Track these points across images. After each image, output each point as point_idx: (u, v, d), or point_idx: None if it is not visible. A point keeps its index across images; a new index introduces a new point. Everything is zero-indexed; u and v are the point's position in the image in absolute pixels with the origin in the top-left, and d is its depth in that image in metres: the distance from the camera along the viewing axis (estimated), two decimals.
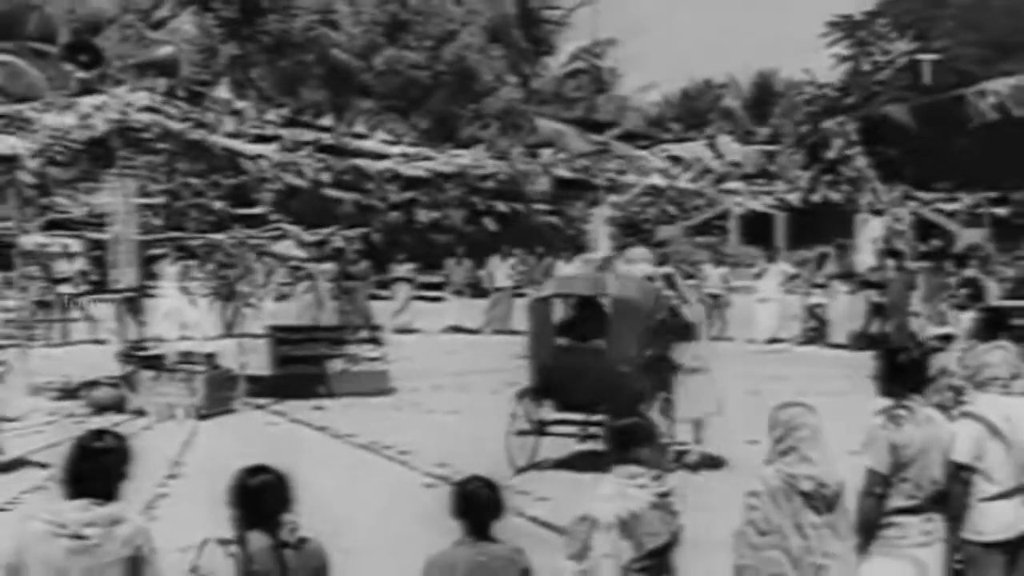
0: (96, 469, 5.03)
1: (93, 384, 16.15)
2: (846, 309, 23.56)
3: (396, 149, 22.60)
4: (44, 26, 40.90)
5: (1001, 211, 34.36)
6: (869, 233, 27.07)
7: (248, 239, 20.34)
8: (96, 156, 18.44)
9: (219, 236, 20.31)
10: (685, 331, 12.50)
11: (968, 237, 30.95)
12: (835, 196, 29.88)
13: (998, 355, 6.59)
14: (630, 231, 33.72)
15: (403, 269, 27.77)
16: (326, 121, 24.45)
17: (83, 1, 42.67)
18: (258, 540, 4.95)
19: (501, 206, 37.54)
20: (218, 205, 25.20)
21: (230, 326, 20.58)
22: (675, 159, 27.73)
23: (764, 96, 58.40)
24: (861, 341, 22.03)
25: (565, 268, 26.93)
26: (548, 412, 12.42)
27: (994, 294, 20.94)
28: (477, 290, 28.16)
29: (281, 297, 25.51)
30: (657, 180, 30.80)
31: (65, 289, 24.17)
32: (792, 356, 22.53)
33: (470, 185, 32.83)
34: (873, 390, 6.51)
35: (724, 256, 31.00)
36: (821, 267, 27.18)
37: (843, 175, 29.91)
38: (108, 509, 4.97)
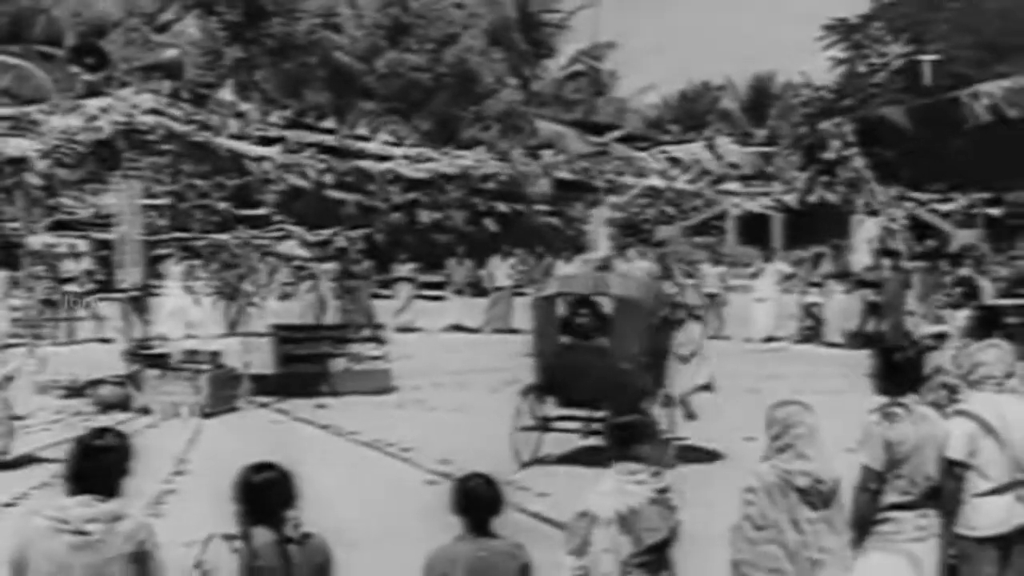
0: (98, 467, 5.05)
1: (99, 383, 16.16)
2: (842, 308, 23.57)
3: (399, 151, 22.77)
4: (50, 30, 41.02)
5: (995, 212, 34.35)
6: (864, 233, 27.05)
7: (252, 239, 20.54)
8: (102, 157, 18.53)
9: (223, 236, 20.50)
10: (683, 313, 12.72)
11: (963, 237, 30.91)
12: (831, 197, 29.93)
13: (992, 353, 6.59)
14: (629, 231, 33.85)
15: (405, 269, 27.81)
16: (329, 123, 24.59)
17: (89, 5, 42.71)
18: (262, 536, 4.95)
19: (502, 207, 37.61)
20: (222, 206, 25.34)
21: (234, 325, 20.61)
22: (674, 161, 27.84)
23: (761, 98, 58.26)
24: (857, 340, 22.10)
25: (565, 268, 27.00)
26: (551, 409, 12.51)
27: (988, 293, 20.86)
28: (478, 289, 28.12)
29: (284, 296, 25.51)
30: (656, 181, 30.91)
31: (71, 288, 24.02)
32: (789, 354, 22.50)
33: (471, 186, 32.97)
34: (869, 388, 6.55)
35: (721, 256, 30.98)
36: (817, 267, 27.15)
37: (840, 176, 29.95)
38: (110, 505, 4.99)
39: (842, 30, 46.67)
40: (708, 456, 12.50)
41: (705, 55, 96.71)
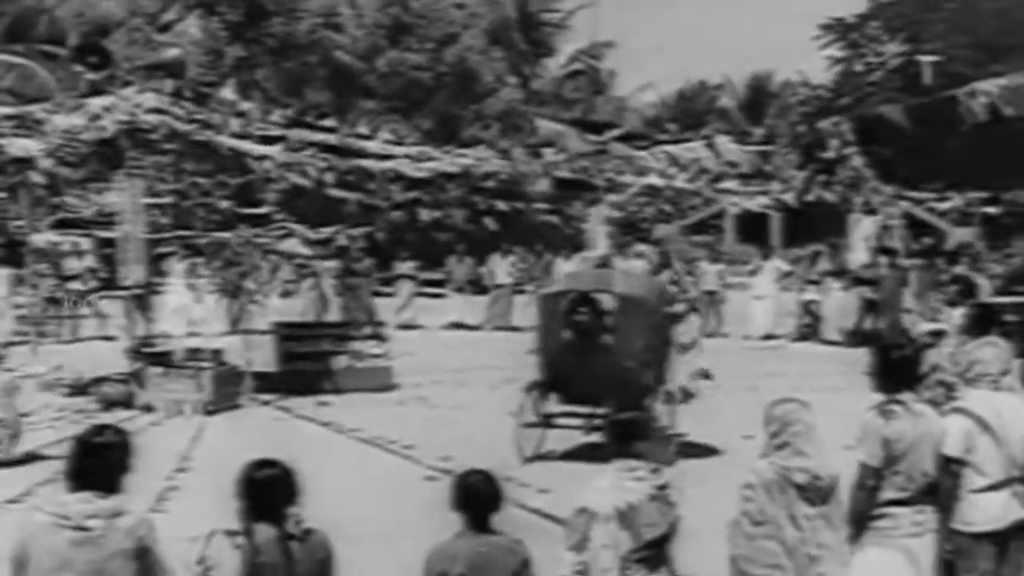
0: (98, 463, 5.08)
1: (103, 380, 16.18)
2: (839, 306, 23.57)
3: (400, 150, 22.85)
4: (54, 29, 41.02)
5: (991, 210, 34.35)
6: (862, 232, 27.03)
7: (254, 237, 20.62)
8: (105, 156, 18.59)
9: (225, 234, 20.57)
10: (684, 306, 12.89)
11: (959, 235, 30.84)
12: (829, 196, 30.00)
13: (988, 351, 6.64)
14: (628, 230, 33.95)
15: (406, 267, 27.88)
16: (330, 122, 24.63)
17: (92, 5, 42.68)
18: (264, 531, 4.98)
19: (501, 205, 37.66)
20: (224, 204, 25.40)
21: (236, 323, 20.60)
22: (673, 159, 27.91)
23: (759, 97, 58.19)
24: (855, 337, 22.15)
25: (564, 266, 27.08)
26: (554, 405, 12.59)
27: (985, 291, 20.68)
28: (478, 287, 28.14)
29: (286, 294, 25.53)
30: (654, 180, 30.98)
31: (75, 286, 24.07)
32: (787, 352, 22.50)
33: (471, 185, 33.02)
34: (867, 385, 6.58)
35: (720, 254, 30.98)
36: (815, 264, 27.10)
37: (840, 175, 29.99)
38: (110, 502, 5.02)
39: (839, 30, 46.70)
40: (707, 452, 12.57)
41: (704, 55, 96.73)
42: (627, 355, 12.04)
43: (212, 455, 12.43)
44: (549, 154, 28.90)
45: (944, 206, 33.93)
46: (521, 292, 27.51)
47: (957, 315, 11.39)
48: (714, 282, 25.58)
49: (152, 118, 17.73)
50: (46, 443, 12.29)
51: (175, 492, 10.84)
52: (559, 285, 13.63)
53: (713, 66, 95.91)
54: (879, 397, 6.33)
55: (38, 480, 10.49)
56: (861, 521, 6.18)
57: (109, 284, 22.53)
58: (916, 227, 30.63)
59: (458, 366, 19.71)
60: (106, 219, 22.74)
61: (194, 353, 16.14)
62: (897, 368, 6.40)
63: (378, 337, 18.27)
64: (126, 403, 15.58)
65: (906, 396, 6.29)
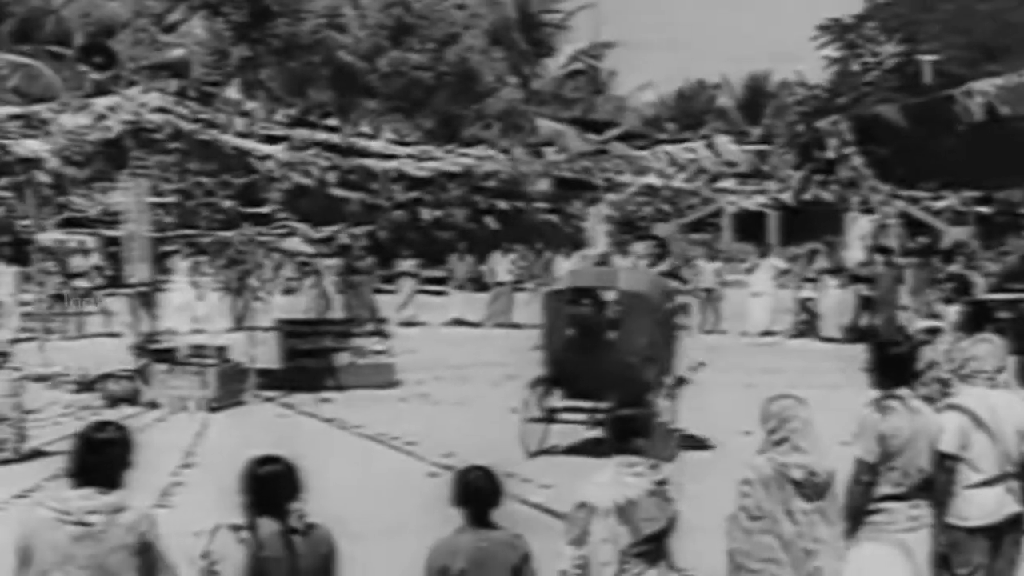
0: (99, 459, 5.12)
1: (108, 377, 16.24)
2: (836, 303, 23.66)
3: (403, 150, 22.96)
4: (60, 30, 41.20)
5: (986, 209, 34.38)
6: (858, 230, 27.01)
7: (257, 236, 20.69)
8: (110, 156, 18.61)
9: (229, 233, 20.65)
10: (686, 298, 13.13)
11: (954, 234, 30.97)
12: (826, 195, 30.07)
13: (983, 348, 6.68)
14: (627, 228, 34.12)
15: (407, 264, 28.00)
16: (333, 121, 24.71)
17: (98, 6, 42.77)
18: (268, 526, 5.02)
19: (502, 204, 37.90)
20: (228, 203, 25.58)
21: (240, 320, 20.61)
22: (673, 159, 28.00)
23: (756, 97, 58.12)
24: (851, 334, 22.24)
25: (564, 264, 27.26)
26: (558, 400, 12.70)
27: (979, 289, 20.89)
28: (479, 285, 28.27)
29: (289, 292, 25.71)
30: (653, 179, 31.07)
31: (80, 284, 24.20)
32: (784, 349, 22.60)
33: (472, 184, 33.13)
34: (862, 382, 6.67)
35: (718, 252, 31.00)
36: (812, 262, 27.20)
37: (839, 174, 30.03)
38: (111, 497, 5.06)
39: (836, 30, 46.65)
40: (705, 448, 12.70)
41: (703, 55, 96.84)
42: (630, 351, 12.17)
43: (216, 451, 12.51)
44: (550, 153, 29.01)
45: (939, 205, 34.01)
46: (521, 289, 27.67)
47: (952, 312, 11.59)
48: (712, 280, 25.67)
49: (157, 117, 17.74)
50: (52, 439, 12.29)
51: (179, 487, 10.94)
52: (562, 283, 13.72)
53: (712, 66, 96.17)
54: (876, 393, 6.38)
55: (45, 476, 10.44)
56: (857, 516, 6.23)
57: (114, 282, 22.49)
58: (912, 226, 30.63)
59: (459, 363, 19.76)
60: (111, 218, 22.83)
61: (198, 350, 16.21)
62: (893, 365, 6.45)
63: (380, 334, 18.33)
64: (131, 399, 15.66)
65: (902, 392, 6.34)
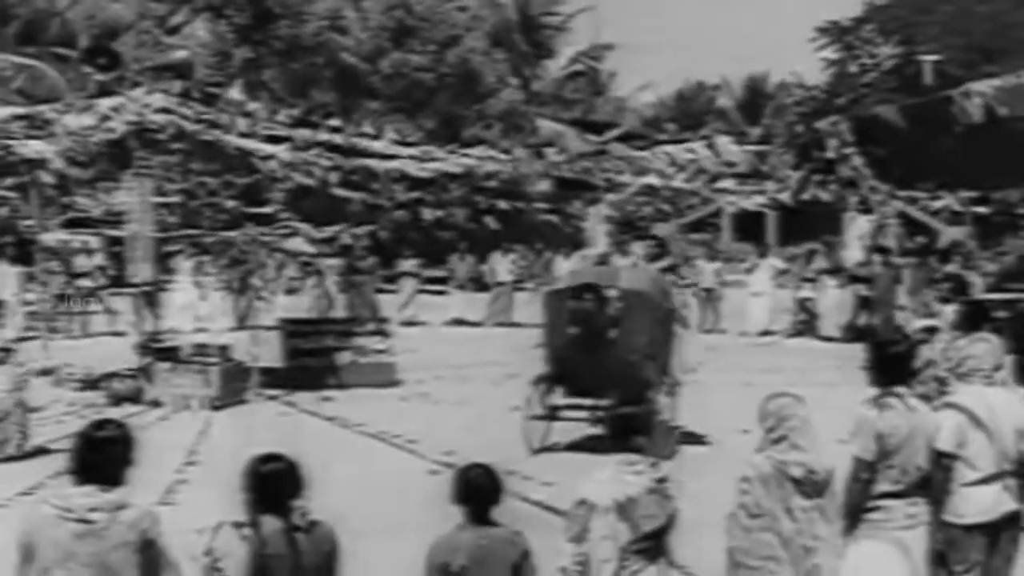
0: (101, 457, 5.12)
1: (112, 375, 16.31)
2: (835, 302, 23.69)
3: (405, 151, 23.02)
4: (65, 32, 41.32)
5: (983, 209, 34.48)
6: (857, 230, 27.01)
7: (260, 236, 20.80)
8: (114, 156, 18.66)
9: (232, 233, 20.75)
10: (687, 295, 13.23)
11: (951, 234, 31.02)
12: (824, 195, 30.14)
13: (981, 347, 6.69)
14: (627, 228, 34.24)
15: (409, 264, 28.03)
16: (335, 122, 24.80)
17: (102, 8, 42.86)
18: (271, 524, 5.04)
19: (503, 204, 38.01)
20: (231, 203, 25.69)
21: (243, 319, 20.67)
22: (673, 159, 28.10)
23: (755, 97, 58.04)
24: (849, 333, 22.30)
25: (564, 264, 27.37)
26: (560, 398, 12.78)
27: (977, 288, 21.01)
28: (479, 284, 28.31)
29: (291, 291, 25.79)
30: (653, 180, 31.16)
31: (84, 283, 24.32)
32: (783, 348, 22.61)
33: (473, 185, 33.23)
34: (860, 380, 6.69)
35: (717, 252, 31.05)
36: (810, 262, 27.26)
37: (838, 174, 30.08)
38: (113, 495, 5.06)
39: (834, 32, 46.65)
40: (704, 446, 12.76)
41: (702, 55, 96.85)
42: (631, 349, 12.25)
43: (219, 449, 12.59)
44: (550, 154, 29.12)
45: (937, 205, 34.09)
46: (522, 289, 27.76)
47: (950, 312, 11.59)
48: (711, 280, 25.71)
49: (160, 118, 17.77)
50: (56, 437, 12.31)
51: (183, 485, 10.99)
52: (564, 282, 13.79)
53: (711, 67, 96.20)
54: (874, 392, 6.42)
55: (48, 474, 10.31)
56: (855, 514, 6.27)
57: (118, 281, 22.62)
58: (910, 226, 30.69)
59: (460, 362, 19.82)
60: (115, 218, 22.94)
61: (201, 349, 16.22)
62: (891, 363, 6.49)
63: (382, 333, 18.37)
64: (134, 398, 15.72)
65: (900, 391, 6.38)
